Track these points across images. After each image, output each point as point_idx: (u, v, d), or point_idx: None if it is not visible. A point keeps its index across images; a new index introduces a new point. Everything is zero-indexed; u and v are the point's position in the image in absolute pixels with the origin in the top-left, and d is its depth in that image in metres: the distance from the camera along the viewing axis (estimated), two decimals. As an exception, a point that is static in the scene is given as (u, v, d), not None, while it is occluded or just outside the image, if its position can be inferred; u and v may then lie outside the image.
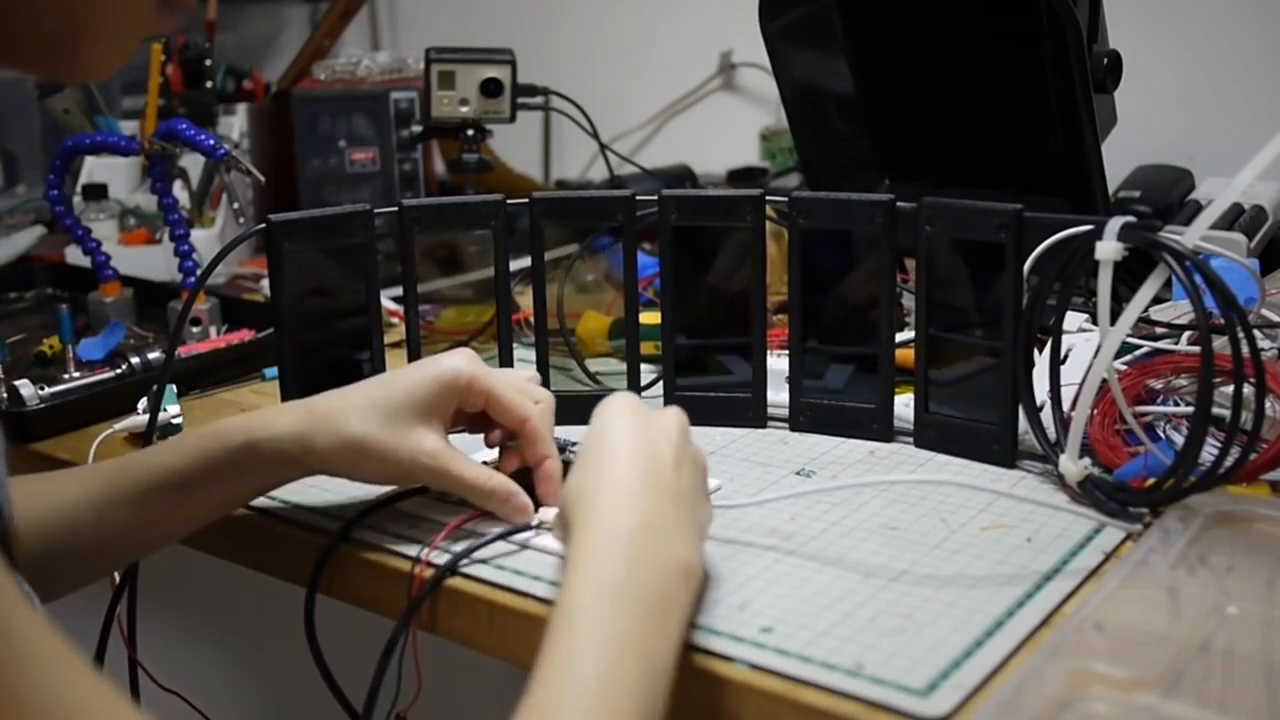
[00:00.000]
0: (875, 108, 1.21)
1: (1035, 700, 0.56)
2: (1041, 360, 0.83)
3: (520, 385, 0.78)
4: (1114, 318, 0.73)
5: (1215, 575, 0.68)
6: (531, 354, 0.96)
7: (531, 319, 0.99)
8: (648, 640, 0.57)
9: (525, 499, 0.76)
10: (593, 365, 1.02)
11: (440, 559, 0.73)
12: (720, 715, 0.62)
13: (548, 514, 0.75)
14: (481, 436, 0.80)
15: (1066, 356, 0.89)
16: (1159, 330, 0.92)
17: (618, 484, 0.64)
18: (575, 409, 0.94)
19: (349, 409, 0.74)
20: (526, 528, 0.75)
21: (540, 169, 1.80)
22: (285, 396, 0.88)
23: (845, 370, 0.91)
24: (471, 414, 0.78)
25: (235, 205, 1.13)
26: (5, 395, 0.96)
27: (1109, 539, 0.73)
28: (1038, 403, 0.82)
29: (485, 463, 0.78)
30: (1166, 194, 1.18)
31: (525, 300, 1.07)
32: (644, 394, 0.95)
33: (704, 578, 0.66)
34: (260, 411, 0.75)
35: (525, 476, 0.77)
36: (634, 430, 0.66)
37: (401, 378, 0.76)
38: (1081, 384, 0.76)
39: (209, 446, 0.73)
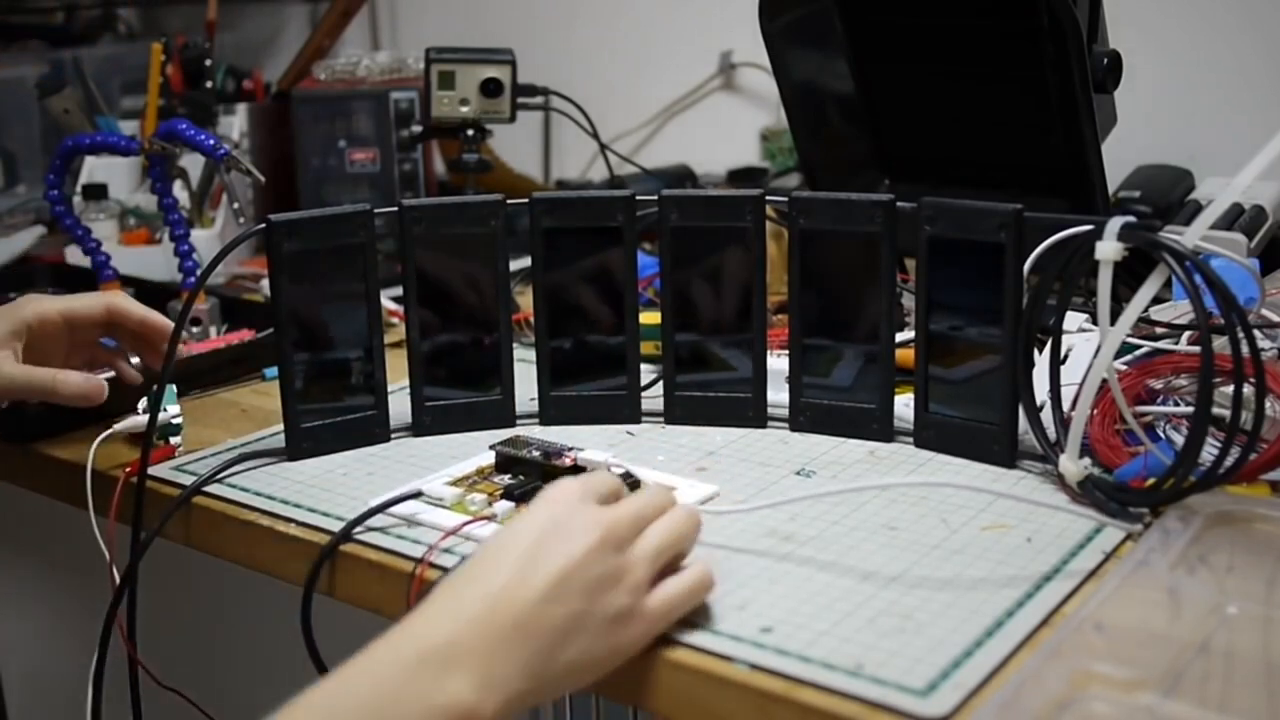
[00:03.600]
0: (875, 108, 1.21)
1: (1035, 700, 0.56)
2: (1041, 360, 0.83)
3: (95, 294, 0.93)
4: (1114, 318, 0.73)
5: (1215, 575, 0.68)
6: (531, 354, 0.96)
7: (531, 319, 0.99)
8: None
9: (97, 383, 0.88)
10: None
11: (441, 559, 0.73)
12: (720, 715, 0.62)
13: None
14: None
15: (1066, 356, 0.89)
16: (1159, 330, 0.92)
17: (457, 597, 0.59)
18: (578, 407, 0.94)
19: None
20: None
21: (540, 169, 1.80)
22: (285, 396, 0.89)
23: (845, 370, 0.91)
24: (64, 338, 0.92)
25: (235, 205, 1.13)
26: (5, 395, 0.97)
27: (1109, 539, 0.73)
28: (1038, 403, 0.82)
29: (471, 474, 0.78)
30: (1166, 194, 1.18)
31: (525, 300, 1.08)
32: (644, 394, 0.95)
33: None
34: None
35: (547, 473, 0.77)
36: (530, 541, 0.61)
37: None
38: (1081, 384, 0.76)
39: None
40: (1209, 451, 0.72)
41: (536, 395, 0.95)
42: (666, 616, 0.64)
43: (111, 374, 0.97)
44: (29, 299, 0.92)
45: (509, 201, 0.92)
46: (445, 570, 0.72)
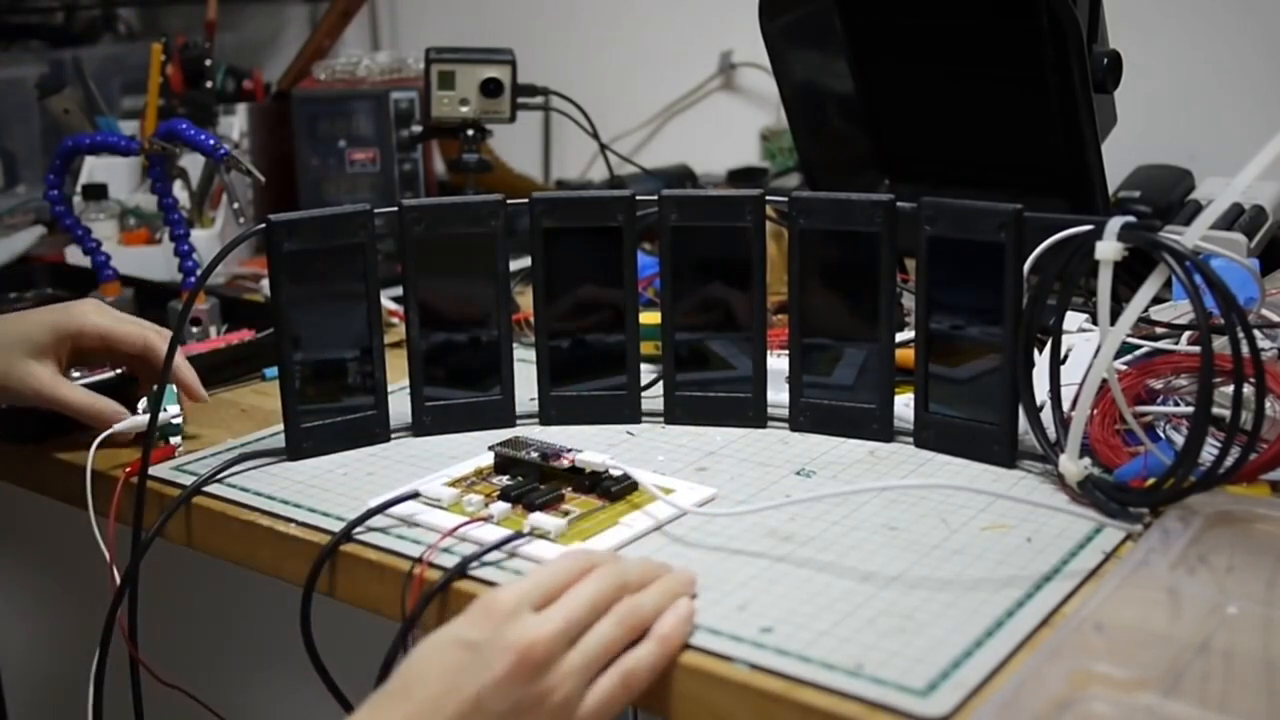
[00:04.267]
0: (875, 108, 1.21)
1: (1035, 700, 0.56)
2: (1041, 360, 0.83)
3: (140, 322, 0.92)
4: (1114, 318, 0.73)
5: (1215, 575, 0.68)
6: (531, 354, 0.96)
7: (531, 319, 0.99)
8: None
9: (125, 414, 0.89)
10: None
11: (438, 560, 0.73)
12: (720, 715, 0.62)
13: (540, 520, 0.76)
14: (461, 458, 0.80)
15: (1066, 356, 0.89)
16: (1159, 330, 0.92)
17: (375, 711, 0.58)
18: (578, 407, 0.94)
19: None
20: (518, 536, 0.74)
21: (540, 169, 1.80)
22: (285, 396, 0.89)
23: (845, 370, 0.91)
24: (100, 353, 0.92)
25: (235, 205, 1.13)
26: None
27: (1109, 539, 0.73)
28: (1038, 403, 0.82)
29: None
30: (1166, 194, 1.18)
31: (525, 300, 1.08)
32: (644, 394, 0.95)
33: None
34: None
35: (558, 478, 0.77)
36: (449, 663, 0.59)
37: (26, 318, 0.90)
38: (1081, 384, 0.76)
39: None
40: (1209, 451, 0.72)
41: (536, 395, 0.95)
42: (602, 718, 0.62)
43: (120, 370, 0.97)
44: (78, 308, 0.92)
45: (509, 201, 0.92)
46: (444, 570, 0.72)
